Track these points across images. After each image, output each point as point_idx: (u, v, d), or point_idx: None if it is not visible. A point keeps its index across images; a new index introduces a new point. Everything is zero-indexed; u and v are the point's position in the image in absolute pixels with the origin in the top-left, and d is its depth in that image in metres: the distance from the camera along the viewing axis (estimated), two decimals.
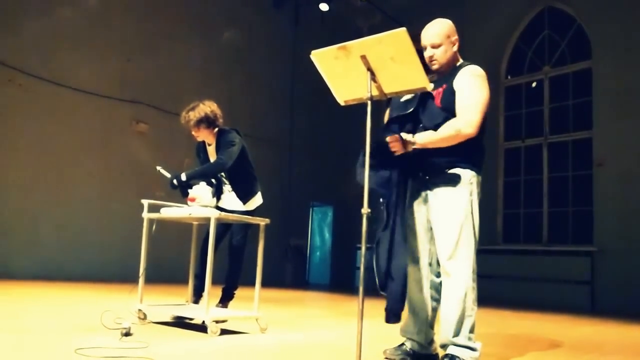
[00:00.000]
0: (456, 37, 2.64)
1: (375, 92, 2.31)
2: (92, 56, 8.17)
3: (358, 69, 2.27)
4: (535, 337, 4.10)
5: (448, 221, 2.47)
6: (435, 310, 2.65)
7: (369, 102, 2.26)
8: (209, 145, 3.98)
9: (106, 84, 8.33)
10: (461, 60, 2.68)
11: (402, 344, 2.70)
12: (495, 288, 8.91)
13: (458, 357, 2.40)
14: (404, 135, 2.51)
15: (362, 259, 2.20)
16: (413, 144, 2.48)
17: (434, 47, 2.60)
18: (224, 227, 3.95)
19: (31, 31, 7.54)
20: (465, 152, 2.52)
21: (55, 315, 3.78)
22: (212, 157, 3.95)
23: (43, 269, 7.27)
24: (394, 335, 2.82)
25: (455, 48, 2.64)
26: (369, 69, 2.26)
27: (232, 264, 4.02)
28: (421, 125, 2.55)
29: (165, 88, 9.01)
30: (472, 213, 2.50)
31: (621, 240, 8.13)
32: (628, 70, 8.52)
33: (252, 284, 3.46)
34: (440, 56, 2.59)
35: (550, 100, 9.90)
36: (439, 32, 2.59)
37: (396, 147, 2.49)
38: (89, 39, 8.16)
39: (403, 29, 2.14)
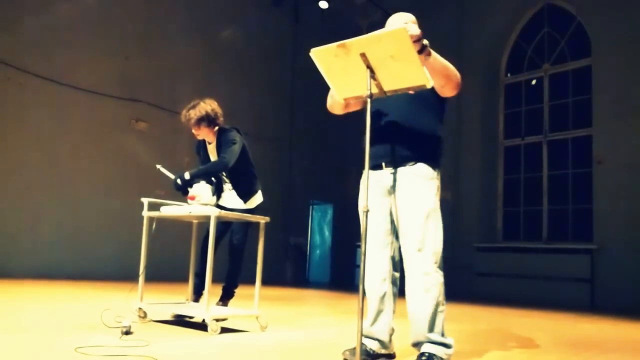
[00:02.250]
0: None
1: (374, 90, 2.30)
2: (91, 54, 8.16)
3: (357, 66, 2.27)
4: (534, 334, 4.10)
5: (416, 215, 2.45)
6: (394, 305, 2.60)
7: (369, 100, 2.25)
8: (209, 143, 3.98)
9: (105, 82, 8.32)
10: None
11: (361, 344, 2.61)
12: (495, 285, 8.93)
13: (436, 356, 2.36)
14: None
15: (363, 257, 2.19)
16: (425, 46, 2.28)
17: None
18: (224, 226, 3.95)
19: (30, 29, 7.53)
20: (430, 148, 2.54)
21: (55, 314, 3.78)
22: (212, 156, 3.95)
23: (43, 268, 7.27)
24: None
25: None
26: (369, 67, 2.25)
27: (232, 262, 4.02)
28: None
29: (165, 86, 9.00)
30: (439, 207, 2.50)
31: (621, 237, 8.13)
32: (628, 68, 8.52)
33: (252, 282, 3.46)
34: None
35: (550, 98, 9.90)
36: (402, 19, 2.54)
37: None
38: (88, 37, 8.15)
39: (403, 27, 2.13)
